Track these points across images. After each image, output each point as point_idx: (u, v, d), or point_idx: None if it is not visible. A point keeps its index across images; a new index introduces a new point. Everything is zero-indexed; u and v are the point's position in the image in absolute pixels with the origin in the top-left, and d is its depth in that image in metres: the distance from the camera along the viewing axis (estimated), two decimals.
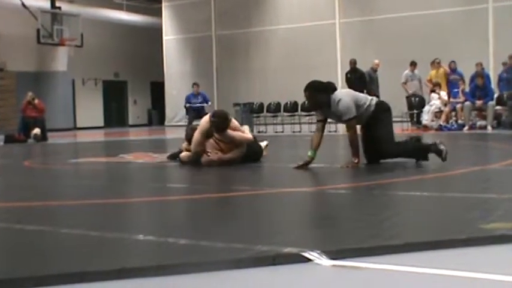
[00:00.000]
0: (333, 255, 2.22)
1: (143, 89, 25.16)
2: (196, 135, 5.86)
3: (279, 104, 15.60)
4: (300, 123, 14.76)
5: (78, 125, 22.27)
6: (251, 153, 6.05)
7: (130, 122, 24.78)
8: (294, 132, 14.18)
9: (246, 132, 6.06)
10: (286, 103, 15.44)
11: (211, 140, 5.85)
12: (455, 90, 12.91)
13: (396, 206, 3.44)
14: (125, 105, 25.27)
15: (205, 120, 5.93)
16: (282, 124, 15.03)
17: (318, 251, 2.23)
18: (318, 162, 6.23)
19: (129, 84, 25.12)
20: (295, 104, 15.29)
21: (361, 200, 3.72)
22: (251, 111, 15.08)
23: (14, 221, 3.17)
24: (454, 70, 13.50)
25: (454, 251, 2.33)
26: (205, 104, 13.94)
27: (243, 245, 2.35)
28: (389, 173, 5.10)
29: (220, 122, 5.78)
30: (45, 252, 2.43)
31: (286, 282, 2.01)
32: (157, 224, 3.16)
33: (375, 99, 5.46)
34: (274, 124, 15.13)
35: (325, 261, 2.18)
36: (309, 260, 2.19)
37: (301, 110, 15.04)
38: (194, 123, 13.26)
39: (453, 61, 13.60)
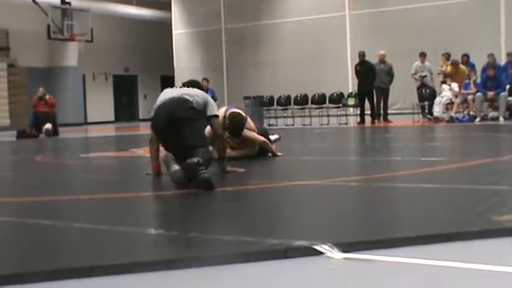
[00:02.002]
0: (345, 247, 2.20)
1: (153, 83, 25.08)
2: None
3: (289, 97, 15.54)
4: (310, 116, 14.77)
5: (89, 119, 22.35)
6: (262, 152, 6.01)
7: (141, 116, 24.75)
8: (304, 125, 14.17)
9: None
10: (297, 96, 15.39)
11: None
12: (467, 81, 12.78)
13: (407, 199, 3.41)
14: (135, 100, 25.33)
15: (220, 113, 5.75)
16: (293, 117, 15.04)
17: (330, 244, 2.21)
18: (328, 155, 6.38)
19: (139, 79, 25.16)
20: (305, 96, 15.28)
21: (371, 193, 3.69)
22: (261, 105, 15.07)
23: (26, 215, 3.18)
24: (466, 63, 13.46)
25: (466, 243, 2.31)
26: None
27: (254, 239, 2.33)
28: (399, 166, 5.10)
29: (234, 128, 5.69)
30: (55, 247, 2.43)
31: (298, 275, 2.00)
32: (167, 217, 3.15)
33: None
34: (284, 117, 15.15)
35: (336, 254, 2.17)
36: (320, 253, 2.18)
37: (312, 103, 15.08)
38: None
39: (465, 54, 13.55)
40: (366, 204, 3.33)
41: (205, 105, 4.50)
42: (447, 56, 13.76)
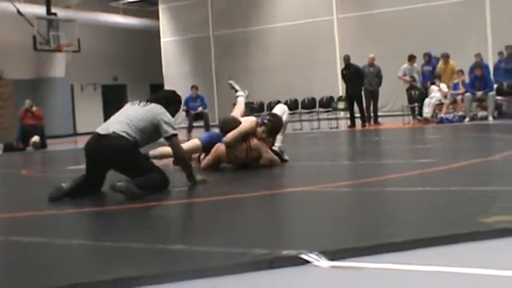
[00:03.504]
0: (332, 255, 2.18)
1: (143, 92, 24.51)
2: (243, 127, 5.58)
3: (278, 102, 14.76)
4: (300, 121, 14.63)
5: (78, 130, 22.23)
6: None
7: None
8: (295, 130, 13.86)
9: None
10: (286, 101, 14.98)
11: (256, 141, 5.60)
12: (455, 81, 12.86)
13: (395, 203, 3.38)
14: None
15: (250, 121, 5.66)
16: (300, 121, 14.69)
17: (316, 252, 2.19)
18: (319, 160, 6.34)
19: (129, 88, 24.92)
20: (295, 101, 15.13)
21: (361, 198, 3.66)
22: (251, 110, 14.64)
23: (9, 232, 3.13)
24: (427, 62, 13.63)
25: (455, 246, 2.29)
26: (200, 108, 13.60)
27: (241, 249, 2.30)
28: (390, 169, 5.07)
29: (276, 124, 5.64)
30: (39, 264, 2.38)
31: (285, 285, 1.97)
32: (154, 230, 3.09)
33: None
34: None
35: (324, 263, 2.14)
36: (307, 261, 2.15)
37: (302, 108, 14.96)
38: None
39: (426, 53, 13.71)
40: (355, 210, 3.30)
41: (155, 126, 4.39)
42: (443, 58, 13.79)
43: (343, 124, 14.45)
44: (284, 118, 5.99)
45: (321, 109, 14.77)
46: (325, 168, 5.50)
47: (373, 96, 13.56)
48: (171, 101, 4.65)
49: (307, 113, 14.95)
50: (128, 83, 24.99)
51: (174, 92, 4.87)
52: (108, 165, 4.39)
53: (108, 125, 4.42)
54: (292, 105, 15.08)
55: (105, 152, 4.29)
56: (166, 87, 21.13)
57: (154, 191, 4.18)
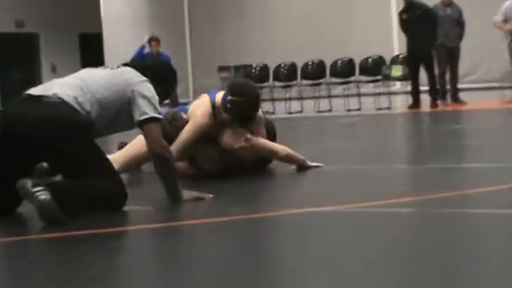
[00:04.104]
0: None
1: (67, 46, 23.75)
2: (186, 134, 5.56)
3: (294, 66, 14.97)
4: (329, 97, 14.36)
5: None
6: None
7: None
8: (320, 111, 13.90)
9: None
10: (307, 64, 14.85)
11: (228, 132, 5.62)
12: None
13: (484, 233, 3.35)
14: (35, 74, 23.68)
15: (203, 104, 5.64)
16: (300, 99, 14.61)
17: None
18: (362, 161, 6.37)
19: (43, 39, 23.83)
20: (321, 65, 14.69)
21: (430, 226, 3.59)
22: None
23: None
24: None
25: None
26: None
27: None
28: (478, 178, 5.01)
29: (245, 104, 5.51)
30: None
31: None
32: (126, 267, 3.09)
33: None
34: (287, 100, 14.62)
35: None
36: None
37: (332, 75, 14.58)
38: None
39: None
40: (419, 247, 3.18)
41: (125, 101, 4.25)
42: None
43: (401, 102, 14.33)
44: None
45: (363, 78, 14.38)
46: (372, 176, 5.44)
47: (452, 56, 13.05)
48: (161, 76, 4.52)
49: (340, 83, 14.58)
50: (42, 31, 23.72)
51: (168, 63, 4.88)
52: (35, 151, 4.10)
53: (49, 85, 4.33)
54: (316, 71, 14.79)
55: (34, 126, 4.03)
56: (107, 39, 20.38)
57: (98, 209, 4.07)
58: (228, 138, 5.58)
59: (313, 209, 4.02)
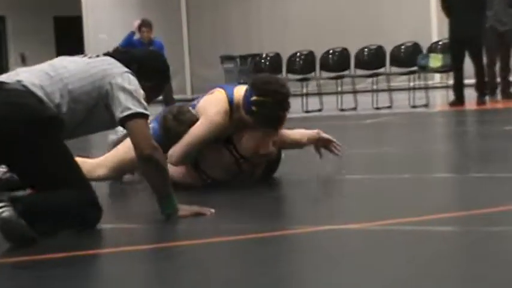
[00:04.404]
0: None
1: (40, 31, 24.30)
2: (197, 132, 5.57)
3: (311, 55, 14.95)
4: (354, 92, 14.37)
5: None
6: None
7: None
8: (343, 110, 13.92)
9: None
10: (327, 54, 14.88)
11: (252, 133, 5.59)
12: None
13: None
14: (1, 65, 24.20)
15: (218, 100, 5.68)
16: (319, 94, 14.58)
17: None
18: (394, 169, 6.45)
19: (10, 24, 24.52)
20: (345, 54, 14.70)
21: (473, 245, 3.55)
22: (256, 71, 14.48)
23: None
24: None
25: None
26: None
27: None
28: (506, 192, 4.99)
29: (273, 104, 5.50)
30: None
31: None
32: None
33: None
34: (303, 95, 14.54)
35: None
36: None
37: (357, 67, 14.59)
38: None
39: None
40: (461, 273, 3.16)
41: (102, 96, 4.27)
42: None
43: (440, 99, 14.45)
44: None
45: (395, 69, 14.40)
46: (406, 187, 5.46)
47: (504, 43, 12.94)
48: (148, 68, 4.53)
49: (366, 76, 14.69)
50: (9, 13, 24.27)
51: (159, 54, 4.90)
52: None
53: (13, 73, 4.33)
54: (338, 62, 14.82)
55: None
56: (88, 24, 20.55)
57: (67, 228, 4.07)
58: (251, 143, 5.56)
59: (336, 226, 4.03)
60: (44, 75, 4.20)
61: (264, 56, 15.46)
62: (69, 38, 22.75)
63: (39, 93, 4.10)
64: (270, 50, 15.66)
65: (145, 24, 13.94)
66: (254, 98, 5.45)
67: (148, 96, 4.39)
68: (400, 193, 5.25)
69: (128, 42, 13.48)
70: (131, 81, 4.28)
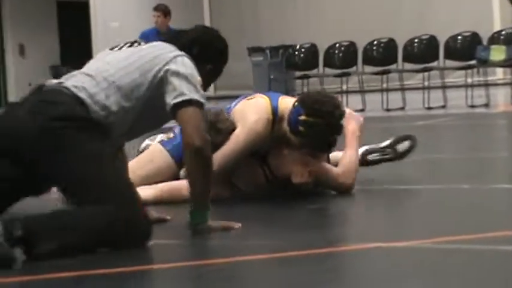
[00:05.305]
0: None
1: (40, 19, 24.11)
2: (236, 142, 5.60)
3: (353, 46, 14.87)
4: (402, 90, 14.23)
5: None
6: None
7: (12, 97, 23.95)
8: (388, 109, 13.90)
9: None
10: (371, 45, 14.67)
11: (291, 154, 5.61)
12: None
13: None
14: None
15: (260, 107, 5.64)
16: (361, 92, 14.54)
17: None
18: (454, 179, 6.49)
19: (7, 9, 24.05)
20: (391, 45, 14.53)
21: None
22: (289, 66, 14.80)
23: None
24: None
25: None
26: None
27: None
28: None
29: (326, 127, 5.46)
30: None
31: None
32: None
33: None
34: (343, 92, 14.45)
35: None
36: None
37: (405, 60, 14.38)
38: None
39: None
40: None
41: (156, 84, 4.34)
42: None
43: (503, 97, 14.29)
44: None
45: (450, 63, 14.12)
46: (465, 199, 5.37)
47: None
48: (211, 49, 4.64)
49: (417, 71, 14.40)
50: None
51: (215, 30, 4.93)
52: (27, 157, 4.13)
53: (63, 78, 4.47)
54: (383, 55, 14.66)
55: (22, 119, 4.15)
56: (96, 10, 20.45)
57: (101, 246, 4.02)
58: (286, 168, 5.61)
59: (382, 243, 3.97)
60: (85, 77, 4.37)
61: (297, 47, 15.41)
62: (74, 26, 23.20)
63: (81, 95, 4.24)
64: (305, 40, 15.65)
65: (157, 9, 13.74)
66: (303, 117, 5.46)
67: (209, 80, 4.62)
68: (457, 207, 5.16)
69: (146, 32, 13.31)
70: (186, 65, 4.39)
